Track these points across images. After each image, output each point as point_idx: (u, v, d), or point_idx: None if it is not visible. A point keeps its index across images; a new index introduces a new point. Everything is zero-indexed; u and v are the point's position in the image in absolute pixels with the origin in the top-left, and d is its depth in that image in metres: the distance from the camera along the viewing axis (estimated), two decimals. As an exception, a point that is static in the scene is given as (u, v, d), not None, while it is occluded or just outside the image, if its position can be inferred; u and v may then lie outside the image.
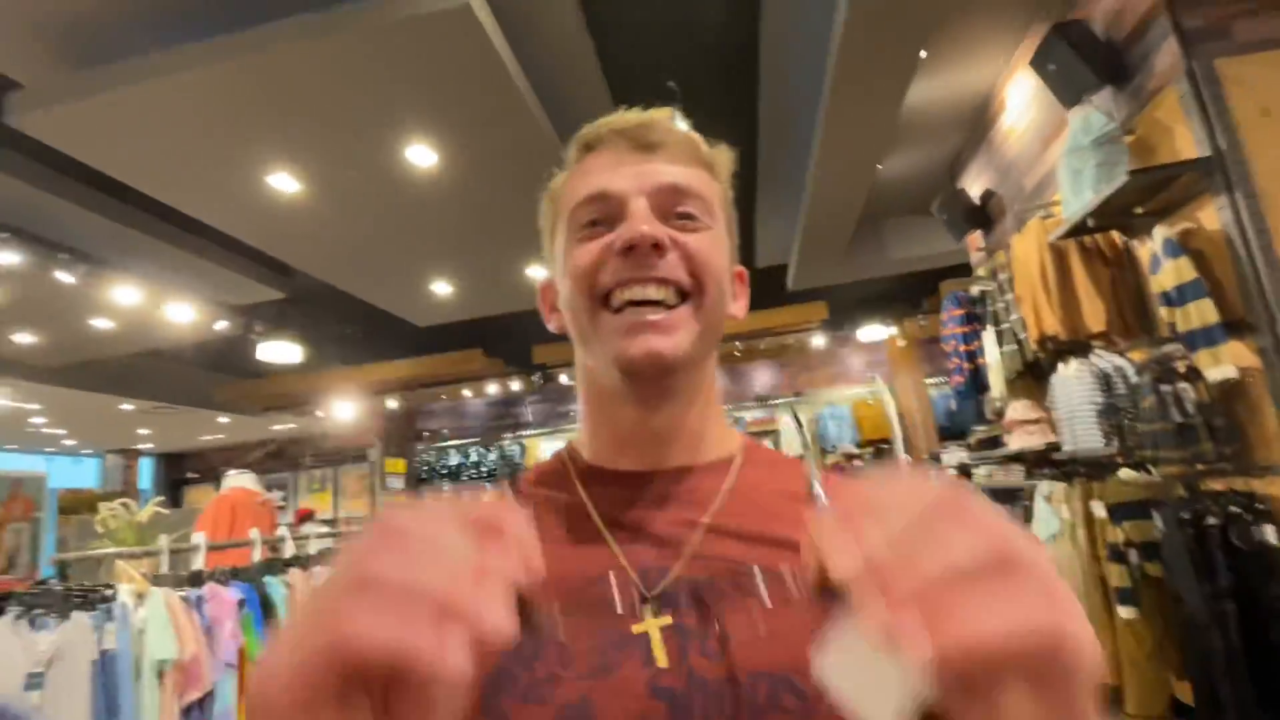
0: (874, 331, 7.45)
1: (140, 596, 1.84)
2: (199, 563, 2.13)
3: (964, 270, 4.31)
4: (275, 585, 2.22)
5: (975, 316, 3.48)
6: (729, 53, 3.76)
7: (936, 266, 5.83)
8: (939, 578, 0.22)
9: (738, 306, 0.54)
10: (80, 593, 1.74)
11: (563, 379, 8.28)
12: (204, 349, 6.68)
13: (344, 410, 8.26)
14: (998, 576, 0.22)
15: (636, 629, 0.42)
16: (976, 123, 3.91)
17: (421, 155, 3.55)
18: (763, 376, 9.03)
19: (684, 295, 0.47)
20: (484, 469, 9.47)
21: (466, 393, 8.93)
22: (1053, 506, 2.40)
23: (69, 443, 9.43)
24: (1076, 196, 2.31)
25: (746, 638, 0.40)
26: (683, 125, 0.53)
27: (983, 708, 0.22)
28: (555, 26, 3.30)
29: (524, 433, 9.57)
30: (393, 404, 8.72)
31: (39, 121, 2.98)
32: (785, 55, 3.69)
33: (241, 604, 2.07)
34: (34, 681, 1.68)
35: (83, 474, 10.33)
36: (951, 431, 7.13)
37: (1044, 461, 2.91)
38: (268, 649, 0.25)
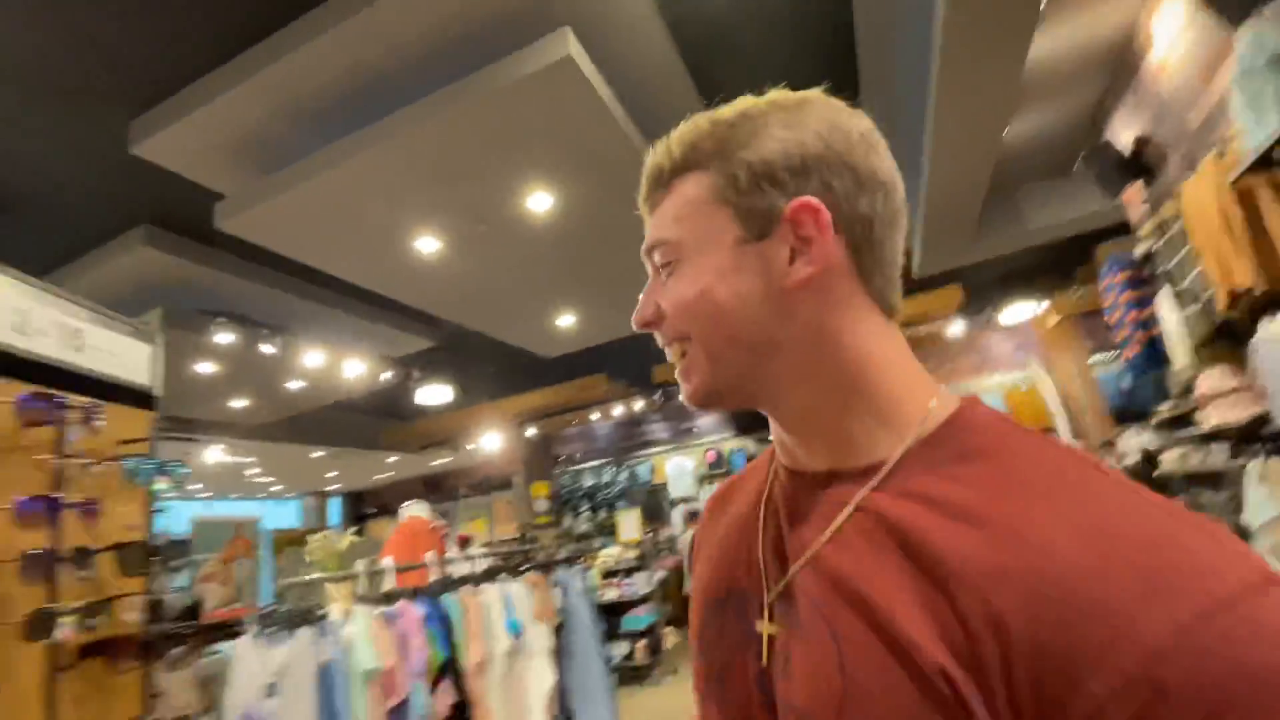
0: (1020, 311, 6.74)
1: (346, 614, 2.12)
2: (389, 584, 2.41)
3: (1122, 230, 3.81)
4: (452, 603, 2.45)
5: (1144, 280, 3.06)
6: (824, 42, 3.67)
7: (1086, 230, 5.20)
8: None
9: (803, 268, 0.43)
10: (300, 613, 2.04)
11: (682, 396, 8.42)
12: (372, 399, 7.57)
13: (490, 441, 8.98)
14: None
15: (759, 628, 0.45)
16: (1118, 65, 3.49)
17: (540, 201, 3.82)
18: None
19: (686, 341, 0.47)
20: (616, 487, 9.75)
21: (594, 416, 9.29)
22: (1269, 487, 2.03)
23: (276, 488, 11.06)
24: (1259, 125, 1.97)
25: (800, 668, 0.41)
26: (661, 150, 0.48)
27: None
28: (646, 52, 3.43)
29: (651, 450, 9.74)
30: (531, 432, 9.36)
31: (240, 223, 3.61)
32: (885, 33, 3.53)
33: (425, 619, 2.30)
34: (272, 690, 1.96)
35: (286, 514, 12.04)
36: (1127, 413, 6.23)
37: (1251, 437, 2.46)
38: None
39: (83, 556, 0.83)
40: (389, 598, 2.31)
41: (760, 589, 0.46)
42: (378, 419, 8.82)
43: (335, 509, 12.26)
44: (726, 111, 0.47)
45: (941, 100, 3.28)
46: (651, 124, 3.71)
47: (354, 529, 3.32)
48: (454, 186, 3.61)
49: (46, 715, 0.75)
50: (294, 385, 6.24)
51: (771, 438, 0.52)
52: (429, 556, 2.62)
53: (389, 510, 11.54)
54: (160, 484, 1.01)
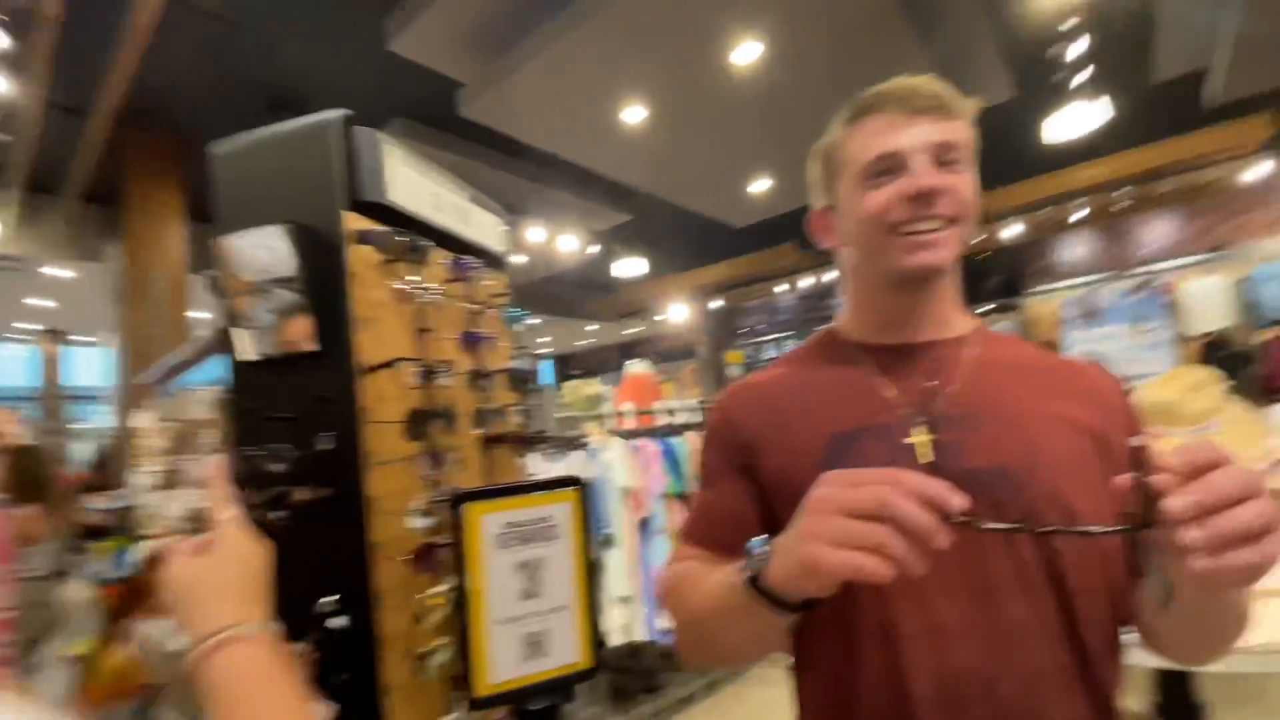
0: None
1: (603, 443, 2.57)
2: (630, 424, 2.84)
3: None
4: (679, 444, 2.83)
5: None
6: None
7: None
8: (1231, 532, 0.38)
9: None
10: (571, 439, 2.54)
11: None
12: (576, 271, 8.24)
13: (678, 312, 9.40)
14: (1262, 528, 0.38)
15: (908, 439, 0.61)
16: None
17: (749, 52, 3.62)
18: (1157, 231, 6.92)
19: (952, 221, 0.62)
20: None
21: (780, 288, 9.14)
22: None
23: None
24: None
25: (978, 446, 0.59)
26: (940, 87, 0.64)
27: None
28: None
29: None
30: (716, 304, 9.55)
31: (478, 109, 3.96)
32: None
33: (662, 453, 2.71)
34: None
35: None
36: None
37: None
38: (778, 555, 0.48)
39: (485, 376, 1.13)
40: (632, 434, 2.73)
41: (902, 418, 0.62)
42: (581, 290, 9.65)
43: (547, 369, 14.02)
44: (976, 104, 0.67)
45: None
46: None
47: (599, 376, 3.88)
48: (665, 46, 3.53)
49: (484, 475, 1.08)
50: (516, 259, 7.02)
51: (853, 329, 0.72)
52: (656, 406, 2.99)
53: (592, 371, 12.93)
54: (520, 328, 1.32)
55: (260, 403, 0.82)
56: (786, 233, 7.58)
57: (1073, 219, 6.87)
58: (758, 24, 3.40)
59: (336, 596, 0.77)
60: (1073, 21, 3.52)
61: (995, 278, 6.74)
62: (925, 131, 0.62)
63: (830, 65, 3.71)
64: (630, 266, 6.81)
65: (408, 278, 0.90)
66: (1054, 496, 0.56)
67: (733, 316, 10.54)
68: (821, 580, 0.44)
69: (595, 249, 6.45)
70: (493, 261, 1.27)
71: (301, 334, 0.80)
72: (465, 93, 3.94)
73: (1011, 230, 7.02)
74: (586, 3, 3.24)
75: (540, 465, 2.51)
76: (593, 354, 13.38)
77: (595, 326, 10.69)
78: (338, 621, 0.76)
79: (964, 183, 0.63)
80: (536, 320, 9.76)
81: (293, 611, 0.54)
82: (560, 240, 5.94)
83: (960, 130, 0.64)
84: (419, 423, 0.86)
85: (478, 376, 1.11)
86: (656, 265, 7.51)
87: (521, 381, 1.28)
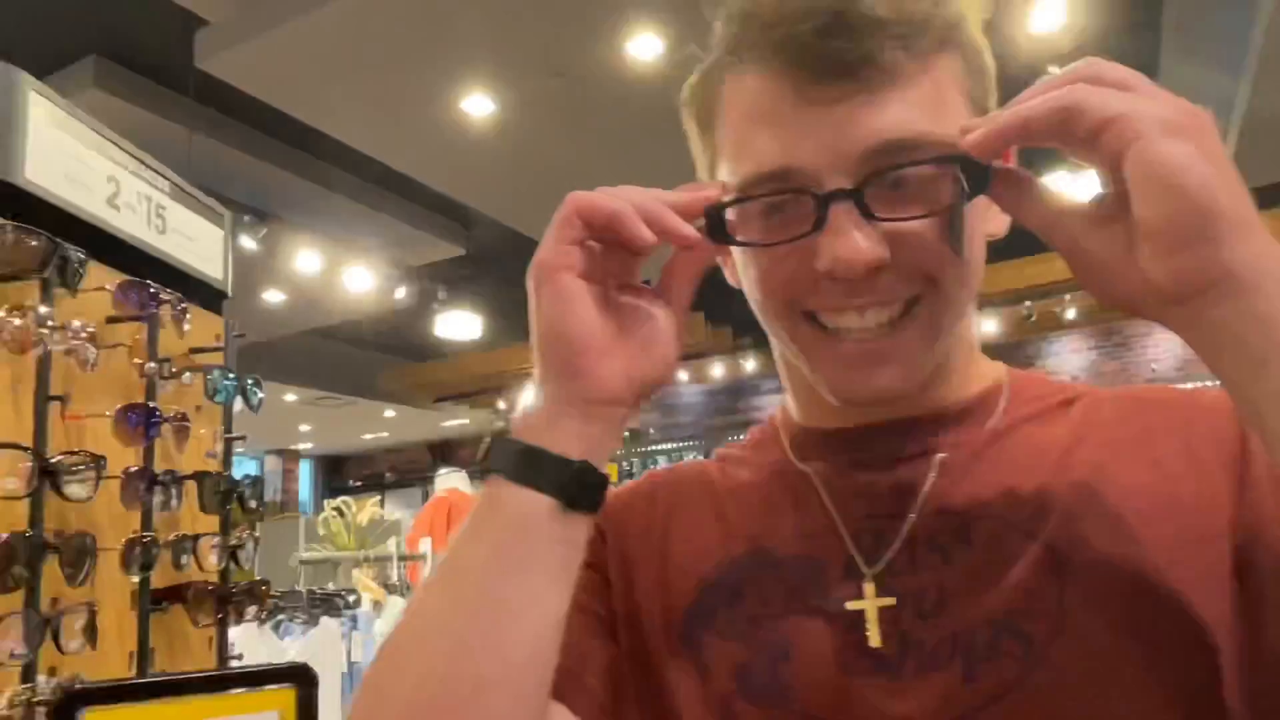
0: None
1: (378, 605, 2.40)
2: (426, 574, 2.69)
3: None
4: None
5: None
6: None
7: None
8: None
9: (996, 222, 0.61)
10: (324, 596, 2.34)
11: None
12: (374, 325, 7.97)
13: (528, 400, 9.32)
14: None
15: (851, 605, 0.57)
16: None
17: (646, 47, 3.88)
18: (1168, 339, 8.18)
19: (911, 303, 0.55)
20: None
21: (681, 376, 9.48)
22: None
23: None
24: None
25: (966, 590, 0.56)
26: None
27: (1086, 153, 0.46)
28: None
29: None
30: None
31: (230, 64, 3.87)
32: None
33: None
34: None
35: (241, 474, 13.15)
36: None
37: None
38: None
39: (162, 484, 1.04)
40: None
41: (840, 554, 0.60)
42: (377, 355, 9.35)
43: (305, 475, 13.22)
44: None
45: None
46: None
47: (378, 497, 3.66)
48: (531, 19, 3.69)
49: (140, 656, 0.97)
50: (273, 297, 6.72)
51: (796, 408, 0.70)
52: None
53: (381, 485, 12.35)
54: (238, 406, 1.22)
55: None
56: (694, 301, 7.94)
57: (1067, 316, 7.84)
58: (656, 13, 3.65)
59: None
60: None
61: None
62: (852, 121, 0.51)
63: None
64: (459, 325, 6.78)
65: (33, 309, 0.83)
66: (1095, 664, 0.52)
67: (612, 414, 10.70)
68: (566, 296, 0.52)
69: (404, 294, 6.33)
70: (204, 295, 1.20)
71: None
72: (208, 35, 3.85)
73: (983, 328, 7.85)
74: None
75: (262, 641, 2.27)
76: (385, 457, 12.83)
77: (393, 414, 10.32)
78: None
79: (932, 228, 0.53)
80: (290, 396, 9.23)
81: None
82: (348, 275, 5.79)
83: (914, 107, 0.52)
84: (11, 559, 0.76)
85: (150, 483, 1.01)
86: (499, 327, 7.50)
87: (231, 496, 1.19)
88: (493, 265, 6.98)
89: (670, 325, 0.57)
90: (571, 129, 4.66)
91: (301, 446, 12.74)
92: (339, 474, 13.44)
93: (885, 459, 0.63)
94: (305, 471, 13.28)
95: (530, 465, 0.52)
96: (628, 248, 0.52)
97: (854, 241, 0.51)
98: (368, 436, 12.06)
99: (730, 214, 0.55)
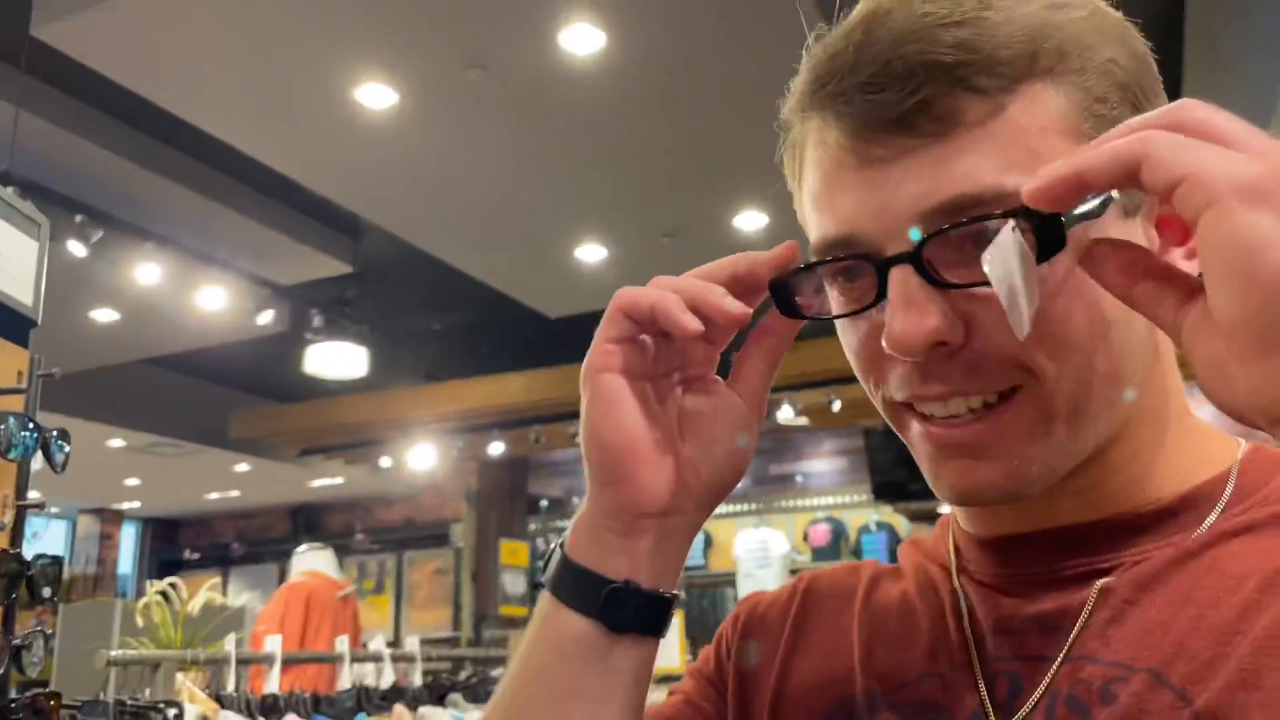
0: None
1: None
2: (273, 682, 2.37)
3: None
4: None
5: None
6: None
7: None
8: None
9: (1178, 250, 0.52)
10: (138, 710, 1.97)
11: (784, 410, 7.21)
12: (233, 357, 7.28)
13: (419, 458, 8.52)
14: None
15: None
16: None
17: (582, 38, 3.65)
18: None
19: (1008, 392, 0.51)
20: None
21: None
22: None
23: (31, 495, 10.92)
24: None
25: None
26: (950, 42, 0.48)
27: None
28: None
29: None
30: (496, 448, 8.44)
31: (68, 33, 3.53)
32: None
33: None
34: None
35: (47, 542, 11.15)
36: None
37: None
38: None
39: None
40: (271, 707, 2.28)
41: (969, 704, 0.55)
42: (231, 392, 8.57)
43: (129, 542, 12.02)
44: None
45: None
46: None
47: (215, 580, 3.35)
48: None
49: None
50: (102, 316, 6.14)
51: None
52: (340, 644, 2.63)
53: (223, 561, 11.36)
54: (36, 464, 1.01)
55: None
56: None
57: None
58: (597, 2, 3.48)
59: None
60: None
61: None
62: (916, 177, 0.49)
63: (713, 76, 3.89)
64: (336, 360, 6.34)
65: None
66: None
67: (523, 475, 10.16)
68: (606, 399, 0.51)
69: (270, 318, 5.85)
70: (4, 322, 1.01)
71: None
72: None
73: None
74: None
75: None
76: (232, 523, 11.92)
77: (247, 468, 9.48)
78: None
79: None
80: (116, 441, 8.29)
81: None
82: (201, 293, 5.29)
83: (1000, 140, 0.48)
84: None
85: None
86: (385, 363, 7.05)
87: (18, 581, 0.98)
88: (384, 287, 6.59)
89: (738, 419, 0.55)
90: (488, 129, 4.36)
91: (127, 505, 11.46)
92: (172, 542, 12.27)
93: (1042, 580, 0.56)
94: (129, 537, 12.02)
95: (568, 582, 0.53)
96: (678, 339, 0.52)
97: (908, 313, 0.47)
98: (213, 496, 10.94)
99: (799, 283, 0.54)
